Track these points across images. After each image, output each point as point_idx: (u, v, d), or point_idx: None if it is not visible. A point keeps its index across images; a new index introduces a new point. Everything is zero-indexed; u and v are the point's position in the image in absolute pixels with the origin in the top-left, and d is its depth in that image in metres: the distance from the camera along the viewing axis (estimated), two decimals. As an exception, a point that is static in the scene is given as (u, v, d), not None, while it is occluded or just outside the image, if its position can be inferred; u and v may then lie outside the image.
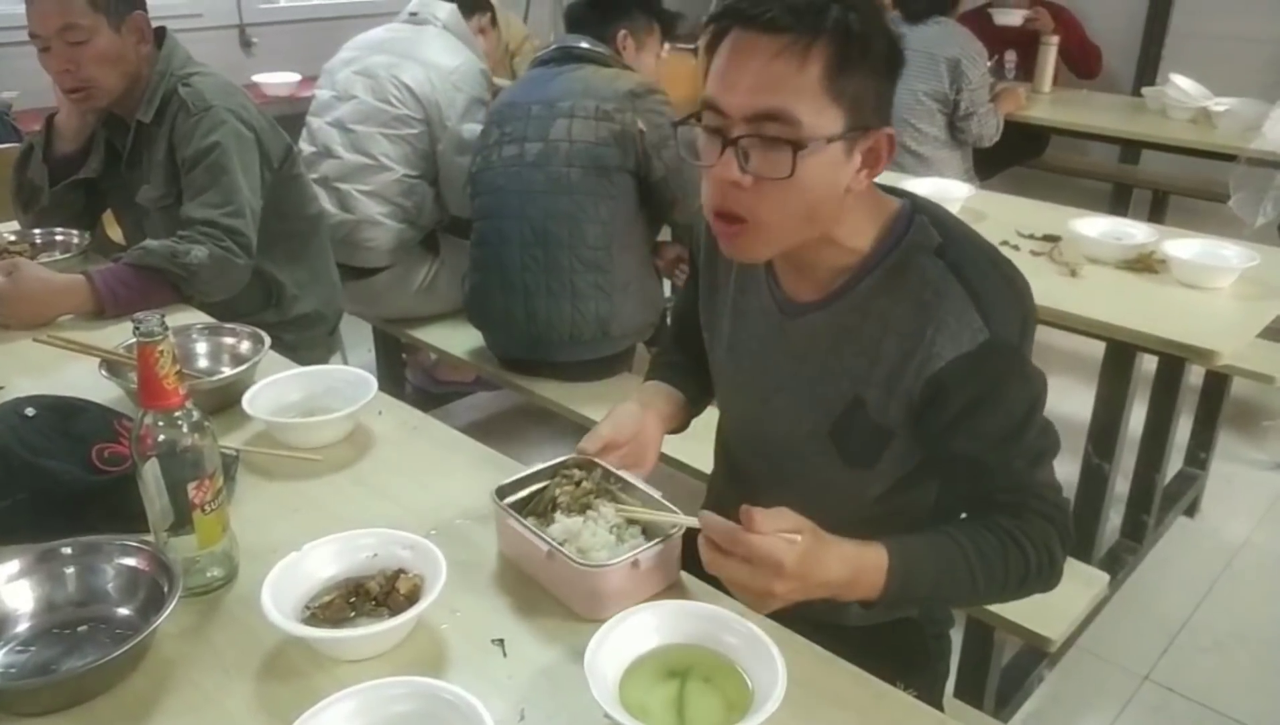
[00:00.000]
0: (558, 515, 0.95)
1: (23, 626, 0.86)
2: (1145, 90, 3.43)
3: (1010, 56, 3.65)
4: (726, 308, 1.08)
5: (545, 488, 1.00)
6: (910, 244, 0.93)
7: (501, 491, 0.97)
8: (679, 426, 1.18)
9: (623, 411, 1.07)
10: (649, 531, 0.94)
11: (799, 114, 0.83)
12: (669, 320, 1.35)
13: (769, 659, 0.75)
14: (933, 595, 0.93)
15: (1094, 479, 1.91)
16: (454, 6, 2.50)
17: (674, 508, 0.94)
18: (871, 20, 0.85)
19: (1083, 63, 3.76)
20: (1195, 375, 2.22)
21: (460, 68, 2.35)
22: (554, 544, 0.89)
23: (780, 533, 0.80)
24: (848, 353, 0.96)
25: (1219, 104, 3.11)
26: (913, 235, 0.93)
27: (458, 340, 2.31)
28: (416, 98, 2.29)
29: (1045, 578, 0.94)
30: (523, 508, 0.98)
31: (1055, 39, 3.49)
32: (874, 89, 0.87)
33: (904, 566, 0.87)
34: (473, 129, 2.30)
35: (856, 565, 0.85)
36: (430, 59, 2.33)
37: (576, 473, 1.00)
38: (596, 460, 1.01)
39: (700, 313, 1.14)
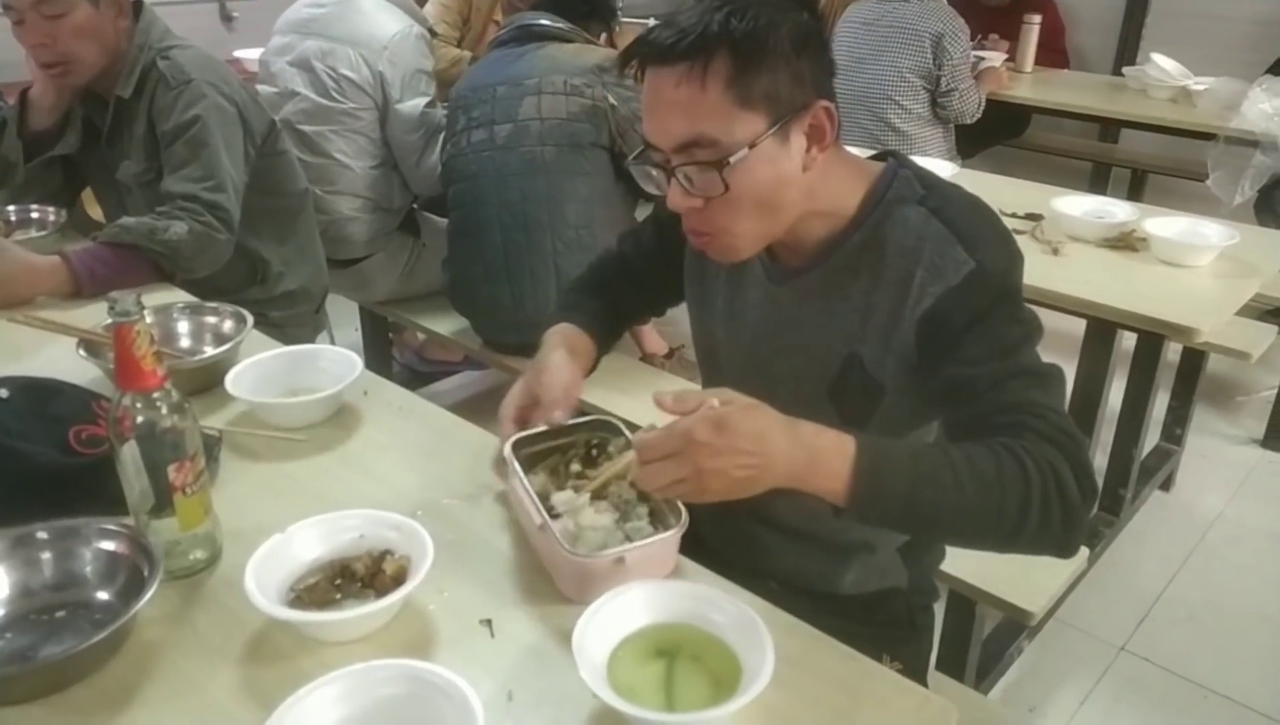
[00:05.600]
0: (570, 483, 0.95)
1: (-1, 613, 0.85)
2: (1126, 70, 3.43)
3: (992, 38, 3.64)
4: (720, 283, 1.08)
5: (570, 446, 1.00)
6: (893, 197, 0.94)
7: (519, 443, 0.97)
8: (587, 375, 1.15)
9: (556, 365, 1.05)
10: (655, 514, 0.92)
11: (714, 134, 0.85)
12: (629, 240, 1.26)
13: (758, 637, 0.75)
14: (912, 499, 0.78)
15: (1074, 455, 1.93)
16: None
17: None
18: (762, 14, 0.84)
19: (1047, 61, 3.69)
20: (1173, 352, 2.24)
21: (394, 39, 2.15)
22: (547, 518, 0.88)
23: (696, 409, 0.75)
24: (841, 310, 0.96)
25: (1199, 83, 3.13)
26: (896, 190, 0.94)
27: (446, 320, 2.29)
28: (357, 86, 2.17)
29: (1056, 512, 0.79)
30: (541, 459, 0.99)
31: (1038, 18, 3.48)
32: (787, 75, 0.85)
33: (873, 455, 0.78)
34: (415, 104, 2.19)
35: (812, 444, 0.77)
36: (360, 35, 2.15)
37: (603, 438, 1.01)
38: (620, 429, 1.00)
39: (686, 289, 1.14)
